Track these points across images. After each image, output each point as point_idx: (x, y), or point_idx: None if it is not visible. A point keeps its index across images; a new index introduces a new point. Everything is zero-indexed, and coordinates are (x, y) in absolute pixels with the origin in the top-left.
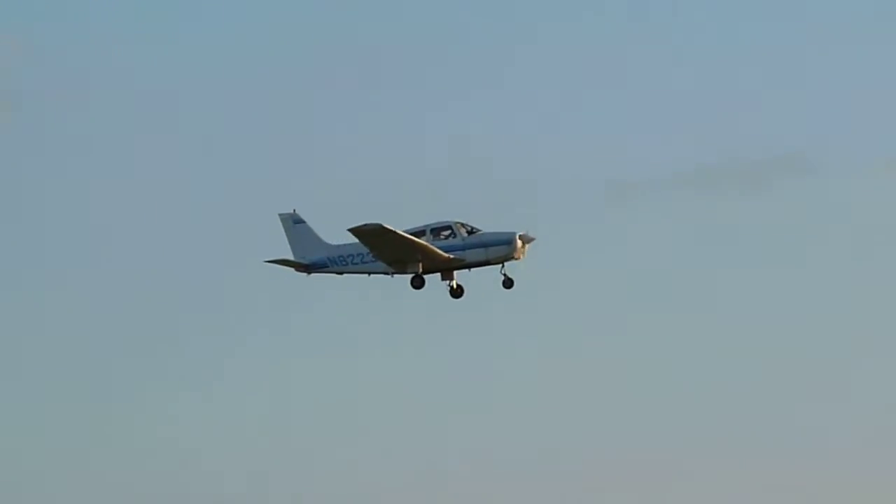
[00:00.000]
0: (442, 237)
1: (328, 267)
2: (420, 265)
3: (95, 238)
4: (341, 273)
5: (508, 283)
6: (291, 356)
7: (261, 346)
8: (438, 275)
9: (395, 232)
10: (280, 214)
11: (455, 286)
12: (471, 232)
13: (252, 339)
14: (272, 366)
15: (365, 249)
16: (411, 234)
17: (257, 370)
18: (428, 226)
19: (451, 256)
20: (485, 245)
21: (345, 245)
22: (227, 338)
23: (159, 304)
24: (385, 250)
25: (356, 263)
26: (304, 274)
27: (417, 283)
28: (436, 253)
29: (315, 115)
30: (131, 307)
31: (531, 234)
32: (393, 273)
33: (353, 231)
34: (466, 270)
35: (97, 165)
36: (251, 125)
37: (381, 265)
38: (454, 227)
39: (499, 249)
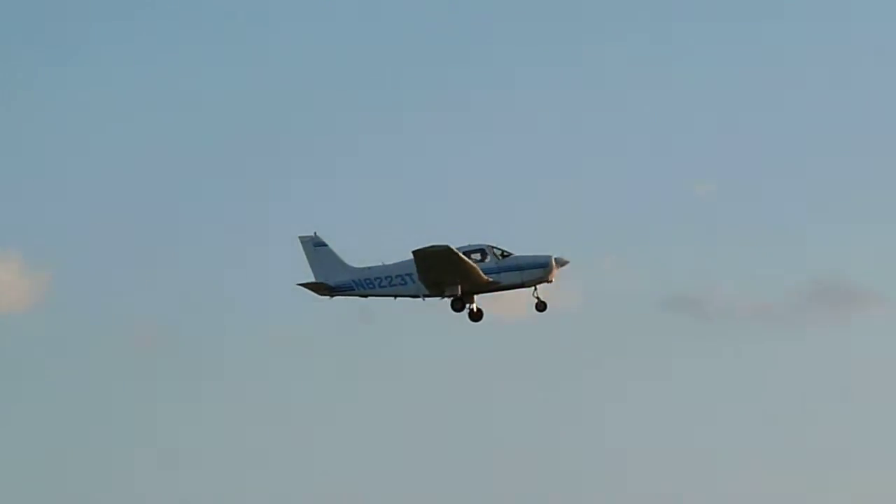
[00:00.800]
0: (474, 260)
1: (353, 290)
2: (459, 288)
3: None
4: (366, 296)
5: (542, 305)
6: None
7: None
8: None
9: (458, 255)
10: (301, 237)
11: (475, 309)
12: (503, 255)
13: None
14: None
15: (394, 272)
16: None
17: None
18: (461, 248)
19: (490, 279)
20: (521, 268)
21: (371, 268)
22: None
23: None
24: (437, 273)
25: (383, 286)
26: (328, 297)
27: (458, 306)
28: (480, 276)
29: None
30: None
31: (565, 258)
32: (425, 296)
33: (418, 253)
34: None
35: None
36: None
37: (410, 288)
38: (486, 250)
39: (534, 272)
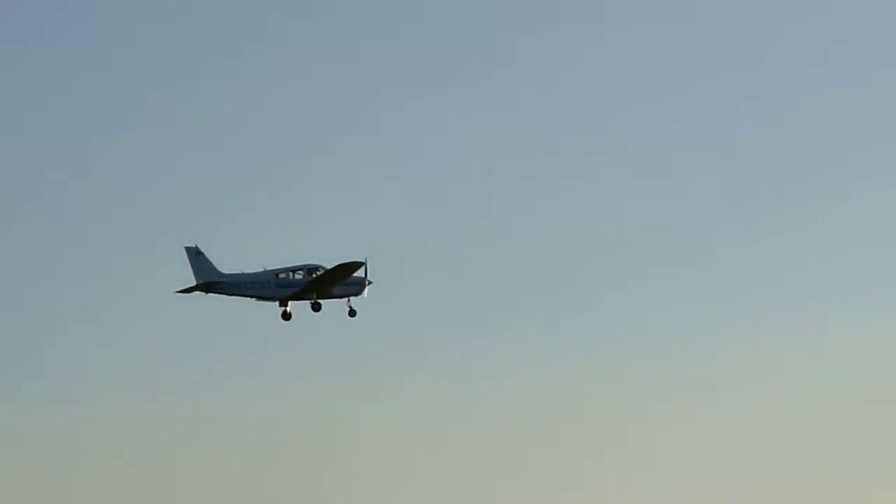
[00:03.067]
0: (309, 276)
1: (224, 290)
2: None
3: None
4: (232, 295)
5: (353, 312)
6: None
7: None
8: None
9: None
10: (186, 247)
11: (290, 312)
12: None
13: None
14: None
15: (256, 279)
16: (291, 270)
17: None
18: (300, 266)
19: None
20: (347, 284)
21: (237, 274)
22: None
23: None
24: (334, 280)
25: (248, 289)
26: (204, 293)
27: (287, 313)
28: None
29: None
30: None
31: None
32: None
33: (342, 266)
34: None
35: None
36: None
37: (272, 292)
38: (319, 267)
39: (354, 288)
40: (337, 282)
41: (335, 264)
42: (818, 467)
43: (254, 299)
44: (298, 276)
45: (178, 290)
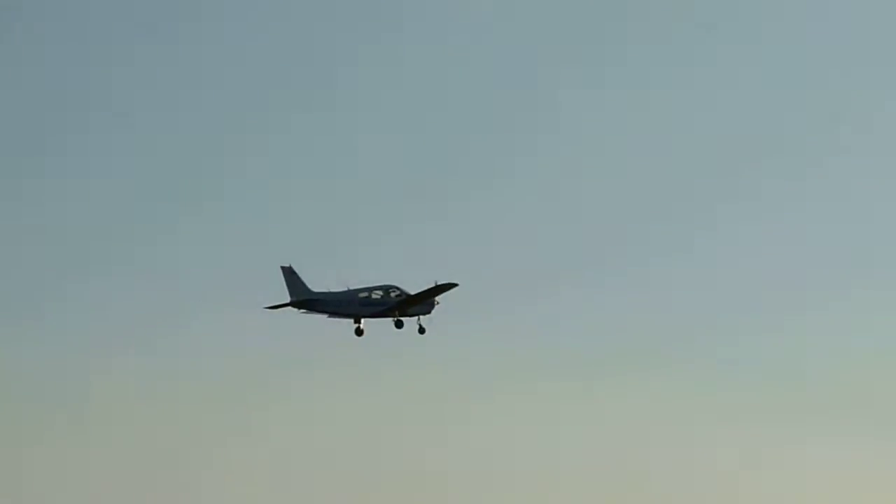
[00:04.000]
0: (391, 295)
1: (315, 308)
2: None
3: None
4: (321, 312)
5: (422, 330)
6: None
7: None
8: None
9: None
10: (281, 267)
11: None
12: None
13: None
14: None
15: (343, 297)
16: (370, 290)
17: None
18: (377, 287)
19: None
20: (422, 304)
21: (326, 292)
22: None
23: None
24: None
25: (336, 307)
26: (296, 310)
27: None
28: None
29: None
30: None
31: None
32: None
33: (437, 287)
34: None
35: None
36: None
37: (357, 310)
38: (397, 288)
39: (427, 307)
40: (425, 301)
41: (432, 285)
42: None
43: (327, 315)
44: (377, 296)
45: (267, 305)
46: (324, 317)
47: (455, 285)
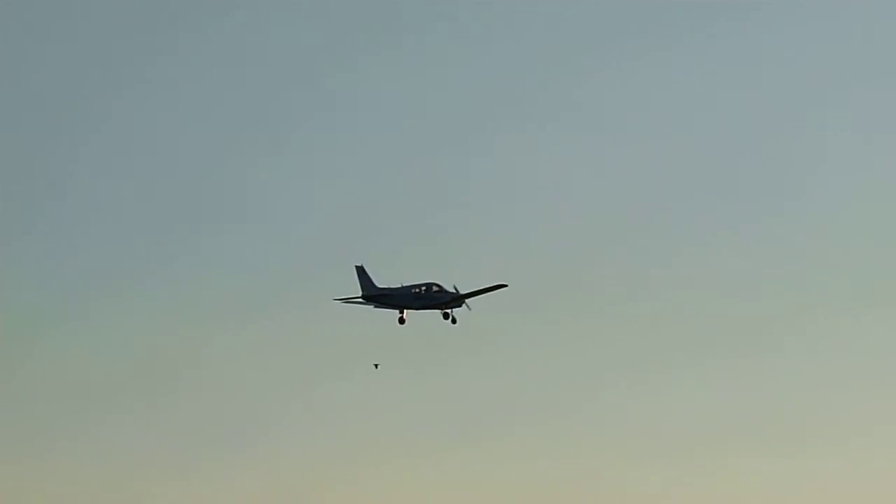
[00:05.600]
0: (433, 292)
1: (381, 302)
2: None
3: None
4: (384, 306)
5: (454, 320)
6: None
7: None
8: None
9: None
10: (355, 266)
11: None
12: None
13: None
14: None
15: (401, 293)
16: (419, 287)
17: None
18: (421, 284)
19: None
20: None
21: (387, 288)
22: None
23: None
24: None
25: (397, 301)
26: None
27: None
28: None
29: None
30: None
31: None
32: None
33: (491, 287)
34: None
35: None
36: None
37: (411, 304)
38: (439, 285)
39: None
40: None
41: (488, 285)
42: None
43: (373, 306)
44: (425, 290)
45: (337, 298)
46: (370, 307)
47: (504, 286)
